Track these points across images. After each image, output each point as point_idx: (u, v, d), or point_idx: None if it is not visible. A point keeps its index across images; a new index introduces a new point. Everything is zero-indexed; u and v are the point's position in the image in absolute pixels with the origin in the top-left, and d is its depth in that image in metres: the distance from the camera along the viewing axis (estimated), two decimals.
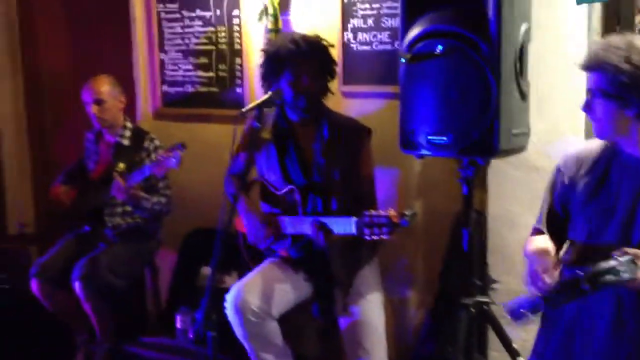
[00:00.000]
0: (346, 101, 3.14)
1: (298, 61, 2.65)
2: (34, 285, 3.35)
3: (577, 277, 1.69)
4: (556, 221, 2.06)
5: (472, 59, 2.19)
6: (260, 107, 2.52)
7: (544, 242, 2.04)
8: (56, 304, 3.40)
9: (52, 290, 3.36)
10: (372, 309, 2.68)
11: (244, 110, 2.48)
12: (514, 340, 2.36)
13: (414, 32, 2.34)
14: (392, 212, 2.26)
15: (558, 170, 2.08)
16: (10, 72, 4.48)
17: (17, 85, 4.51)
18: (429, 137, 2.33)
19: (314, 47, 2.69)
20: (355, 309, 2.65)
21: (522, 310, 1.76)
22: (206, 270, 3.43)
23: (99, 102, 3.42)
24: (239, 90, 3.58)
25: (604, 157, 1.97)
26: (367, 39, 3.11)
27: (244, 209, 2.76)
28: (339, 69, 2.95)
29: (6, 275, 3.67)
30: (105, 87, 3.44)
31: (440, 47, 2.25)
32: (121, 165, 3.34)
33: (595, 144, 2.01)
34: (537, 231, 2.12)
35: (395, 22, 3.02)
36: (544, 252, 1.98)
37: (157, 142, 3.48)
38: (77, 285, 3.23)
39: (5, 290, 3.63)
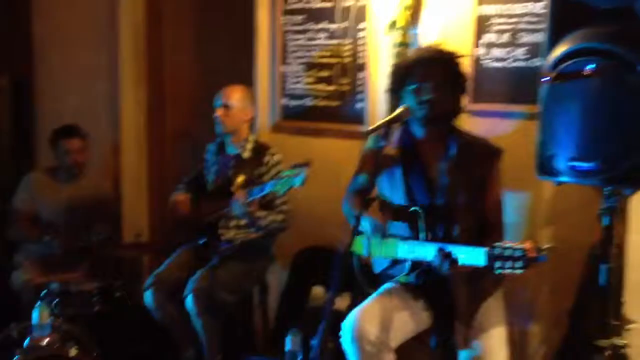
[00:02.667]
0: (475, 120, 3.07)
1: (422, 68, 2.64)
2: (149, 297, 3.47)
3: None
4: None
5: (627, 80, 2.08)
6: (388, 124, 2.49)
7: None
8: (167, 317, 3.50)
9: (164, 303, 3.47)
10: (495, 345, 2.57)
11: (371, 128, 2.45)
12: None
13: (561, 49, 2.27)
14: (528, 245, 2.17)
15: None
16: (135, 83, 4.70)
17: (140, 96, 4.74)
18: (572, 163, 2.23)
19: (439, 55, 2.67)
20: (477, 344, 2.56)
21: None
22: (317, 290, 3.44)
23: (226, 106, 3.53)
24: (360, 105, 3.60)
25: None
26: (501, 55, 3.04)
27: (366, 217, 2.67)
28: (469, 86, 2.89)
29: (120, 282, 3.82)
30: (237, 94, 3.57)
31: (591, 67, 2.14)
32: (240, 179, 3.41)
33: None
34: None
35: (533, 38, 2.95)
36: None
37: (277, 157, 3.54)
38: (189, 299, 3.32)
39: (117, 297, 3.78)
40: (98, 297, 3.61)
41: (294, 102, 3.88)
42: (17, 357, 2.93)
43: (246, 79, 3.99)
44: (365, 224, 2.66)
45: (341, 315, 2.70)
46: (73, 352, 3.06)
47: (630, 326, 2.53)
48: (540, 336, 3.04)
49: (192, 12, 4.59)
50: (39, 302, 3.11)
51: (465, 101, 2.79)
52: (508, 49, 3.03)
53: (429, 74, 2.62)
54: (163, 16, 4.69)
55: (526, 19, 2.97)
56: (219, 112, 3.53)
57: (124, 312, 3.75)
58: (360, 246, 2.77)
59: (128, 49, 4.66)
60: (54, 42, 5.00)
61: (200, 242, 3.57)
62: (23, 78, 5.06)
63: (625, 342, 2.27)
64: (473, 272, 2.46)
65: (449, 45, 2.76)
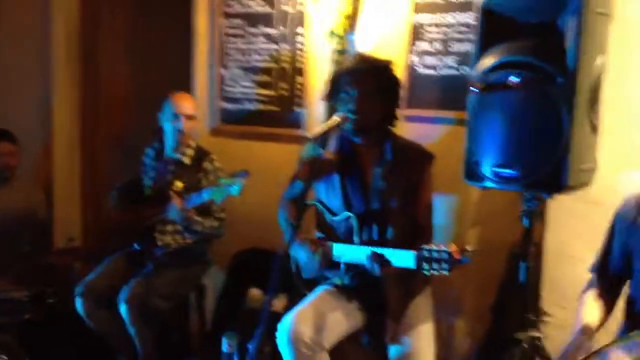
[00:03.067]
0: (408, 125, 3.21)
1: (352, 77, 2.75)
2: (79, 305, 3.47)
3: None
4: (614, 268, 2.13)
5: (546, 91, 2.26)
6: (326, 132, 2.61)
7: (589, 315, 2.12)
8: (100, 324, 3.51)
9: (96, 310, 3.48)
10: (423, 340, 2.72)
11: (310, 135, 2.56)
12: None
13: (489, 61, 2.42)
14: (453, 248, 2.33)
15: (617, 217, 2.14)
16: (68, 85, 4.69)
17: (73, 99, 4.74)
18: (495, 170, 2.39)
19: (369, 65, 2.78)
20: (406, 340, 2.71)
21: None
22: (254, 292, 3.53)
23: (191, 117, 3.59)
24: (299, 110, 3.71)
25: None
26: (433, 63, 3.21)
27: (297, 240, 2.82)
28: (402, 92, 3.04)
29: (52, 289, 3.82)
30: (194, 103, 3.65)
31: (515, 79, 2.31)
32: (179, 184, 3.47)
33: None
34: (592, 279, 2.19)
35: (463, 47, 3.12)
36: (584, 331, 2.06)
37: (216, 164, 3.61)
38: (123, 308, 3.35)
39: (49, 304, 3.78)
40: (29, 305, 3.61)
41: (233, 106, 3.96)
42: None
43: (184, 82, 4.06)
44: (299, 253, 2.82)
45: (278, 317, 2.80)
46: None
47: (547, 319, 2.74)
48: (465, 330, 3.22)
49: (128, 15, 4.60)
50: None
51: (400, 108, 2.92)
52: (440, 57, 3.19)
53: (358, 83, 2.73)
54: (98, 19, 4.70)
55: (456, 28, 3.14)
56: (186, 125, 3.56)
57: (56, 319, 3.76)
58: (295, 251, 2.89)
59: (61, 52, 4.65)
60: None
61: (135, 247, 3.61)
62: None
63: (541, 334, 2.44)
64: (403, 273, 2.59)
65: (381, 54, 2.89)
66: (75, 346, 3.72)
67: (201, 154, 3.63)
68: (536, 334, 2.38)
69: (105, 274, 3.56)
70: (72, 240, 4.41)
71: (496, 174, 2.39)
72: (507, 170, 2.36)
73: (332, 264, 2.78)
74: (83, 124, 4.80)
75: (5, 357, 3.09)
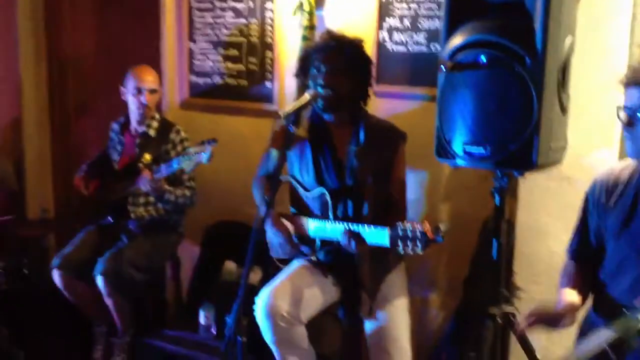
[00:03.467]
0: (378, 101, 3.18)
1: (320, 55, 2.72)
2: (56, 277, 3.43)
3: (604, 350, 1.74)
4: (589, 250, 2.14)
5: (515, 71, 2.22)
6: (298, 110, 2.56)
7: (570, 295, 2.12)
8: (77, 295, 3.48)
9: (73, 282, 3.44)
10: (398, 315, 2.74)
11: (282, 113, 2.52)
12: (537, 349, 2.41)
13: (457, 40, 2.37)
14: (426, 227, 2.30)
15: (588, 198, 2.16)
16: (34, 58, 4.56)
17: (40, 71, 4.60)
18: (466, 148, 2.37)
19: (338, 42, 2.74)
20: (381, 314, 2.72)
21: None
22: (229, 265, 3.51)
23: (153, 91, 3.51)
24: (268, 84, 3.64)
25: (636, 183, 2.02)
26: (403, 39, 3.16)
27: (270, 220, 2.78)
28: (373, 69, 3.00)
29: (26, 260, 3.76)
30: (156, 77, 3.55)
31: (483, 58, 2.28)
32: (147, 157, 3.42)
33: (626, 167, 2.07)
34: (567, 261, 2.20)
35: (433, 24, 3.08)
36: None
37: (183, 134, 3.55)
38: (99, 280, 3.31)
39: (24, 275, 3.72)
40: (4, 276, 3.55)
41: (202, 80, 3.87)
42: None
43: (151, 52, 3.95)
44: (270, 234, 2.79)
45: (254, 290, 2.79)
46: None
47: (520, 295, 2.76)
48: (438, 304, 3.23)
49: None
50: None
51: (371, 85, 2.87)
52: (409, 34, 3.14)
53: (327, 60, 2.69)
54: None
55: (426, 5, 3.09)
56: (148, 99, 3.48)
57: (32, 290, 3.71)
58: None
59: (27, 25, 4.51)
60: None
61: (109, 220, 3.55)
62: None
63: (515, 310, 2.46)
64: (377, 250, 2.57)
65: (350, 31, 2.84)
66: (51, 316, 3.67)
67: (166, 126, 3.57)
68: (510, 310, 2.39)
69: (81, 247, 3.50)
70: (46, 212, 4.31)
71: (467, 152, 2.36)
72: (478, 149, 2.34)
73: (306, 240, 2.76)
74: (51, 97, 4.67)
75: None
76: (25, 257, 3.76)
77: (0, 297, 3.48)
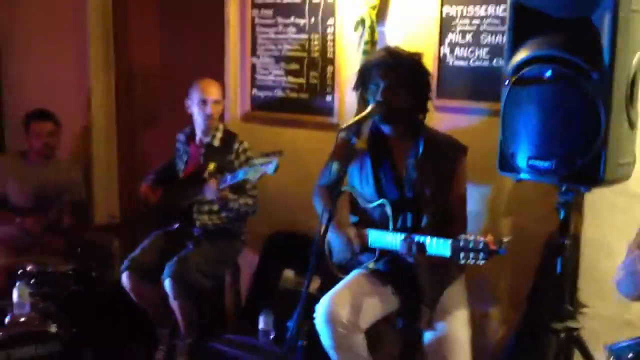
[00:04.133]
0: (440, 115, 3.15)
1: (378, 70, 2.71)
2: (125, 279, 3.49)
3: None
4: None
5: (581, 86, 2.18)
6: (359, 122, 2.56)
7: None
8: (143, 297, 3.53)
9: (140, 285, 3.49)
10: (457, 326, 2.68)
11: (344, 125, 2.52)
12: None
13: (522, 55, 2.34)
14: (489, 238, 2.26)
15: None
16: (103, 69, 4.67)
17: (109, 82, 4.72)
18: (530, 162, 2.33)
19: (396, 57, 2.72)
20: (441, 325, 2.67)
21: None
22: (287, 273, 3.51)
23: (217, 102, 3.56)
24: (329, 98, 3.64)
25: None
26: (465, 54, 3.13)
27: (334, 225, 2.75)
28: (433, 83, 2.98)
29: (93, 264, 3.83)
30: (220, 89, 3.61)
31: (549, 73, 2.24)
32: (211, 166, 3.46)
33: None
34: None
35: (495, 40, 3.03)
36: None
37: (245, 145, 3.59)
38: (167, 283, 3.35)
39: (92, 278, 3.79)
40: (74, 278, 3.62)
41: (263, 93, 3.90)
42: None
43: (215, 66, 4.00)
44: (334, 240, 2.78)
45: (313, 298, 2.79)
46: (52, 329, 3.10)
47: (584, 310, 2.68)
48: (499, 318, 3.15)
49: (161, 2, 4.57)
50: (18, 282, 3.12)
51: (430, 99, 2.85)
52: (471, 49, 3.10)
53: (385, 75, 2.69)
54: (131, 2, 4.66)
55: (488, 20, 3.04)
56: (213, 109, 3.53)
57: (99, 292, 3.77)
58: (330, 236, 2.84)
59: (96, 35, 4.62)
60: (21, 26, 4.91)
61: (174, 227, 3.60)
62: None
63: (579, 325, 2.40)
64: (437, 260, 2.54)
65: (409, 46, 2.83)
66: (117, 318, 3.73)
67: (230, 136, 3.61)
68: (574, 325, 2.33)
69: (149, 251, 3.56)
70: (113, 218, 4.40)
71: (531, 166, 2.33)
72: (543, 163, 2.30)
73: (367, 249, 2.74)
74: (118, 107, 4.78)
75: (55, 325, 3.10)
76: (92, 260, 3.82)
77: (69, 299, 3.53)
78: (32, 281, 3.39)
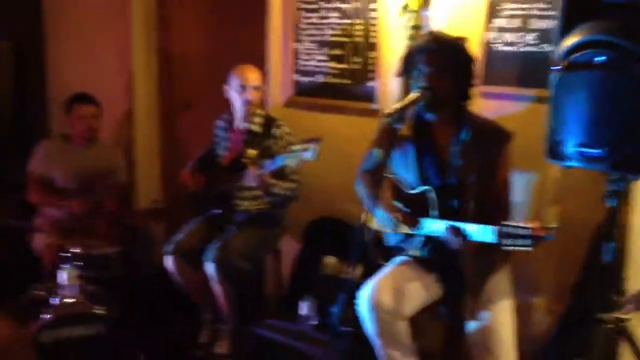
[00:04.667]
0: (485, 101, 3.12)
1: (423, 55, 2.69)
2: (169, 262, 3.56)
3: None
4: None
5: (634, 72, 2.15)
6: (403, 108, 2.56)
7: None
8: (186, 281, 3.60)
9: (184, 268, 3.56)
10: (502, 316, 2.68)
11: (387, 112, 2.53)
12: None
13: (572, 40, 2.31)
14: (535, 224, 2.26)
15: None
16: (145, 54, 4.74)
17: (150, 66, 4.78)
18: (579, 149, 2.31)
19: (441, 42, 2.70)
20: (485, 314, 2.67)
21: None
22: (329, 259, 3.54)
23: (257, 88, 3.59)
24: (371, 84, 3.64)
25: None
26: (512, 39, 3.09)
27: (380, 205, 2.79)
28: (479, 69, 2.96)
29: (136, 248, 3.91)
30: (260, 75, 3.63)
31: (601, 58, 2.22)
32: (252, 152, 3.49)
33: None
34: None
35: (544, 24, 2.99)
36: None
37: (285, 129, 3.61)
38: (209, 267, 3.41)
39: (135, 262, 3.88)
40: (117, 261, 3.71)
41: (306, 79, 3.91)
42: (45, 315, 3.04)
43: (257, 51, 4.03)
44: (380, 215, 2.78)
45: (355, 285, 2.81)
46: (99, 310, 3.19)
47: None
48: (544, 308, 3.13)
49: None
50: (66, 264, 3.21)
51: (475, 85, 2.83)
52: (519, 34, 3.06)
53: (429, 61, 2.67)
54: None
55: (537, 5, 2.99)
56: (253, 95, 3.57)
57: (141, 276, 3.86)
58: (374, 221, 2.86)
59: (139, 19, 4.69)
60: (65, 10, 5.00)
61: (216, 212, 3.66)
62: (30, 45, 5.07)
63: (626, 315, 2.37)
64: (482, 248, 2.55)
65: (454, 31, 2.81)
66: (159, 301, 3.82)
67: (270, 121, 3.64)
68: (622, 315, 2.31)
69: (192, 235, 3.62)
70: (156, 202, 4.48)
71: (580, 153, 2.30)
72: (592, 150, 2.27)
73: (410, 235, 2.76)
74: (160, 90, 4.84)
75: (101, 307, 3.19)
76: (135, 244, 3.91)
77: (114, 282, 3.62)
78: (78, 263, 3.47)
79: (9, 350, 3.22)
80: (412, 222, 2.72)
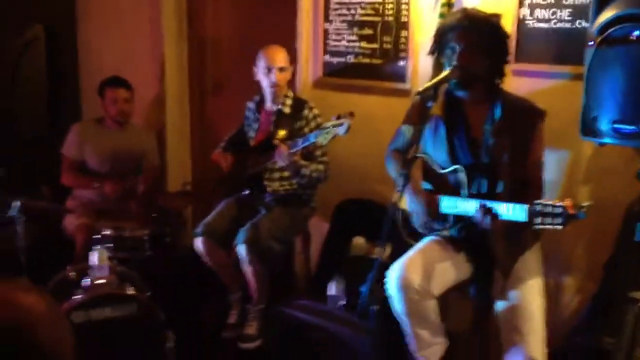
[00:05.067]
0: (518, 79, 3.08)
1: (455, 32, 2.66)
2: (199, 243, 3.60)
3: None
4: None
5: None
6: (436, 85, 2.54)
7: None
8: (216, 262, 3.65)
9: (214, 249, 3.61)
10: (532, 295, 2.66)
11: (421, 89, 2.51)
12: None
13: (607, 14, 2.28)
14: (567, 202, 2.22)
15: None
16: (176, 38, 4.77)
17: (181, 50, 4.82)
18: (615, 125, 2.28)
19: (473, 19, 2.67)
20: (514, 294, 2.65)
21: None
22: (358, 240, 3.55)
23: (283, 69, 3.59)
24: (402, 63, 3.62)
25: None
26: (546, 16, 3.05)
27: (409, 188, 2.77)
28: (512, 46, 2.92)
29: (167, 230, 3.95)
30: (286, 55, 3.63)
31: (637, 33, 2.18)
32: (282, 133, 3.51)
33: None
34: None
35: (578, 0, 2.94)
36: None
37: (315, 111, 3.61)
38: (241, 249, 3.44)
39: (166, 243, 3.92)
40: (149, 243, 3.75)
41: (336, 59, 3.91)
42: (77, 296, 3.09)
43: (287, 32, 4.03)
44: (411, 204, 2.78)
45: (384, 265, 2.81)
46: (130, 291, 3.22)
47: None
48: (574, 287, 3.12)
49: None
50: (97, 245, 3.26)
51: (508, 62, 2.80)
52: (552, 10, 3.02)
53: (461, 38, 2.64)
54: None
55: None
56: (278, 77, 3.56)
57: (172, 257, 3.91)
58: (404, 201, 2.85)
59: (170, 4, 4.71)
60: None
61: (246, 193, 3.68)
62: (62, 30, 5.14)
63: None
64: (512, 227, 2.51)
65: (486, 8, 2.77)
66: (190, 282, 3.86)
67: (300, 103, 3.64)
68: None
69: (221, 217, 3.66)
70: (187, 185, 4.52)
71: (615, 130, 2.28)
72: (628, 127, 2.24)
73: (440, 216, 2.74)
74: (191, 74, 4.87)
75: (132, 288, 3.23)
76: (167, 226, 3.94)
77: (144, 263, 3.67)
78: (110, 245, 3.52)
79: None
80: (434, 209, 2.71)
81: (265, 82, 3.61)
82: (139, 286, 3.31)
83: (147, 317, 3.25)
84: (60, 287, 3.30)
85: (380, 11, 3.66)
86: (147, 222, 3.88)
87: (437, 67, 2.99)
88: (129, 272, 3.37)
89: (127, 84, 4.18)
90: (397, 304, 2.66)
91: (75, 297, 3.12)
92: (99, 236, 3.50)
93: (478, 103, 2.75)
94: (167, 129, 4.82)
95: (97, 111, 4.29)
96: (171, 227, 3.96)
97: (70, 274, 3.33)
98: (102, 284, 3.19)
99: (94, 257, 3.21)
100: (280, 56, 3.59)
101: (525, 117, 2.69)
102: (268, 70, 3.57)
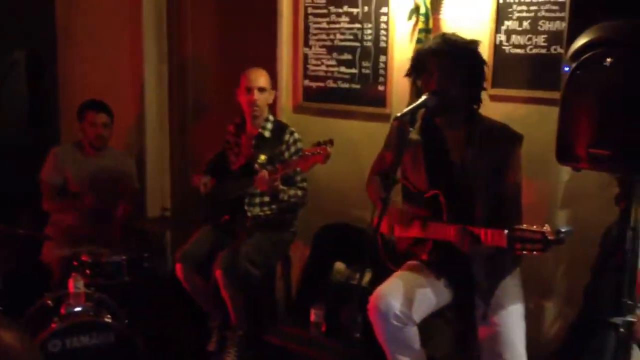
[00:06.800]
0: (494, 105, 3.12)
1: (432, 59, 2.68)
2: (179, 270, 3.58)
3: None
4: None
5: None
6: (414, 111, 2.56)
7: None
8: (195, 288, 3.62)
9: (193, 276, 3.58)
10: (513, 320, 2.66)
11: (399, 115, 2.52)
12: None
13: (582, 40, 2.30)
14: (547, 229, 2.25)
15: None
16: (157, 60, 4.77)
17: (162, 73, 4.81)
18: (590, 151, 2.29)
19: (450, 46, 2.68)
20: (496, 320, 2.65)
21: None
22: (339, 266, 3.54)
23: (263, 90, 3.60)
24: (381, 87, 3.64)
25: None
26: (522, 42, 3.09)
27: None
28: (488, 72, 2.95)
29: (146, 255, 3.92)
30: (267, 78, 3.65)
31: (610, 59, 2.20)
32: (262, 157, 3.51)
33: None
34: None
35: (553, 26, 2.99)
36: None
37: (296, 135, 3.62)
38: (218, 274, 3.42)
39: (144, 268, 3.89)
40: (127, 268, 3.72)
41: (315, 84, 3.93)
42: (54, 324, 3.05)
43: (267, 57, 4.04)
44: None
45: (365, 290, 2.80)
46: (107, 319, 3.19)
47: None
48: (555, 312, 3.12)
49: None
50: (74, 273, 3.23)
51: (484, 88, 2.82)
52: (528, 36, 3.06)
53: (439, 64, 2.66)
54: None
55: (546, 7, 3.00)
56: (256, 96, 3.58)
57: (151, 283, 3.87)
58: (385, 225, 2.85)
59: (150, 27, 4.72)
60: (78, 19, 5.05)
61: (226, 218, 3.67)
62: (43, 53, 5.13)
63: (637, 318, 2.35)
64: (492, 252, 2.54)
65: (464, 34, 2.79)
66: (168, 308, 3.82)
67: (280, 127, 3.65)
68: (634, 319, 2.28)
69: (201, 242, 3.65)
70: (166, 210, 4.49)
71: (591, 155, 2.28)
72: (603, 152, 2.25)
73: (419, 240, 2.75)
74: (171, 98, 4.87)
75: (109, 316, 3.19)
76: (145, 251, 3.91)
77: (122, 288, 3.63)
78: (87, 272, 3.48)
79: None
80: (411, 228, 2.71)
81: (245, 102, 3.62)
82: (117, 314, 3.28)
83: (125, 345, 3.22)
84: (38, 314, 3.26)
85: (359, 37, 3.69)
86: (124, 248, 3.85)
87: (416, 92, 3.01)
88: (106, 299, 3.34)
89: (107, 109, 4.16)
90: (378, 330, 2.65)
91: (52, 325, 3.09)
92: (77, 263, 3.48)
93: (456, 128, 2.76)
94: (146, 153, 4.80)
95: (76, 135, 4.26)
96: (150, 252, 3.93)
97: (47, 301, 3.29)
98: (78, 311, 3.16)
99: (71, 285, 3.18)
100: (260, 77, 3.61)
101: (502, 141, 2.71)
102: (248, 90, 3.59)
